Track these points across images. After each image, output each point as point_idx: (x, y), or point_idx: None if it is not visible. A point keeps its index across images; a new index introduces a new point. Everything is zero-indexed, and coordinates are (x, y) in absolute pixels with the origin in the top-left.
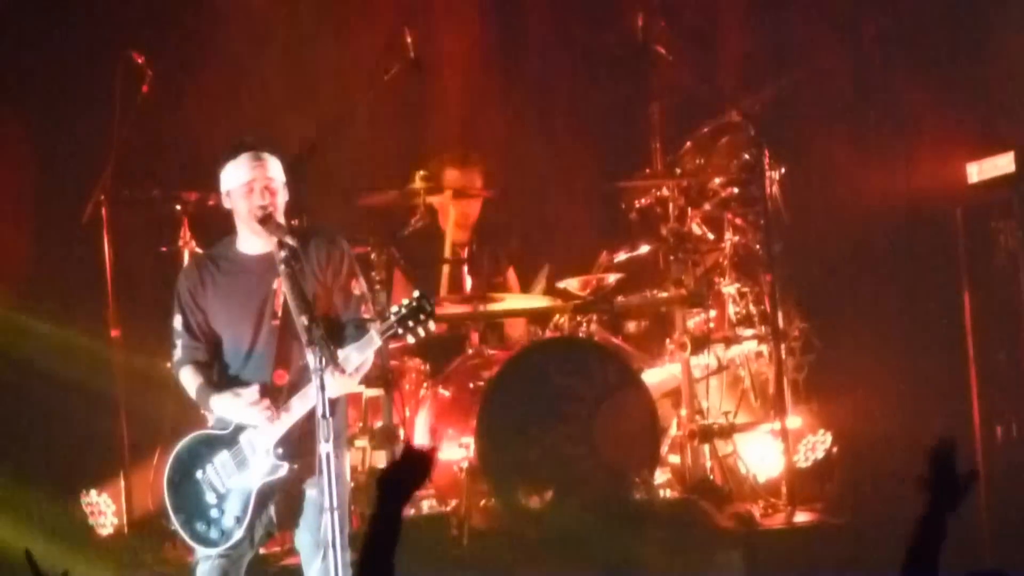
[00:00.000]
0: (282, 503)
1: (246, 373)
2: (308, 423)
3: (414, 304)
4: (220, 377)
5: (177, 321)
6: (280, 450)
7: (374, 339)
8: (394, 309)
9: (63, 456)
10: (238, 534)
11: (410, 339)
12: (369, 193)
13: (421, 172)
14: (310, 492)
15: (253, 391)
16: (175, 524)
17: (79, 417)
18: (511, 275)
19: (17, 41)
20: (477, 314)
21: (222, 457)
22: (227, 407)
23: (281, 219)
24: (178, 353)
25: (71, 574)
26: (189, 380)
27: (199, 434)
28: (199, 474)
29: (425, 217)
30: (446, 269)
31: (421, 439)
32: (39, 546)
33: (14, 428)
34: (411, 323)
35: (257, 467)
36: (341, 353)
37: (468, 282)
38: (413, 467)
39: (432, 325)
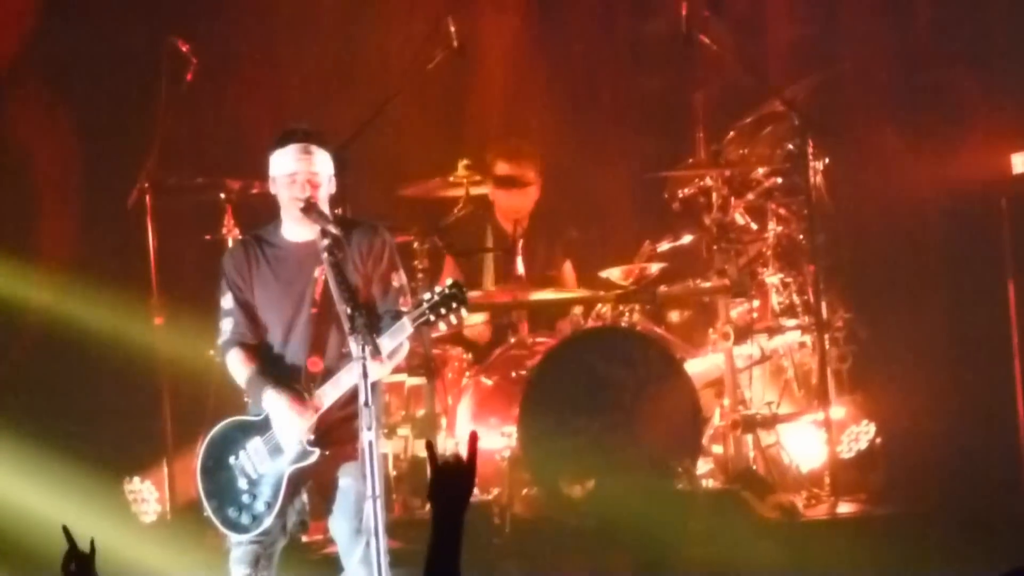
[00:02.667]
0: (315, 491)
1: (281, 359)
2: (341, 410)
3: (446, 292)
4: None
5: (227, 300)
6: (312, 437)
7: (405, 326)
8: (426, 296)
9: (107, 443)
10: (268, 520)
11: (442, 327)
12: (412, 183)
13: (464, 161)
14: (344, 479)
15: (303, 406)
16: (207, 510)
17: (123, 405)
18: (567, 268)
19: (63, 29)
20: (519, 303)
21: (255, 443)
22: (274, 404)
23: (325, 208)
24: (225, 334)
25: (113, 561)
26: (238, 365)
27: (233, 420)
28: (232, 460)
29: (469, 206)
30: (490, 260)
31: (464, 428)
32: (82, 532)
33: (58, 415)
34: (443, 310)
35: (289, 453)
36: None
37: (520, 271)
38: (454, 479)
39: (464, 313)
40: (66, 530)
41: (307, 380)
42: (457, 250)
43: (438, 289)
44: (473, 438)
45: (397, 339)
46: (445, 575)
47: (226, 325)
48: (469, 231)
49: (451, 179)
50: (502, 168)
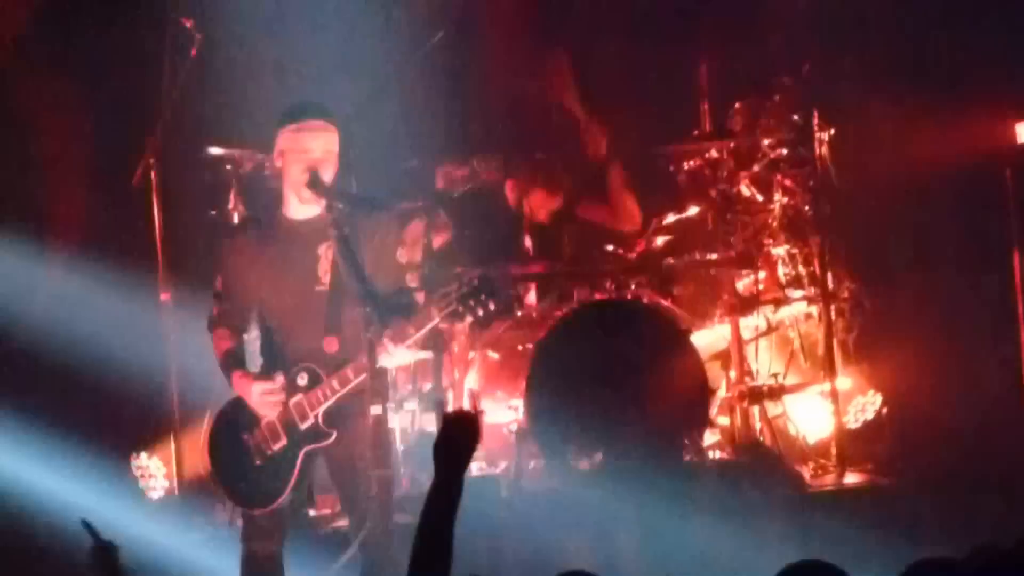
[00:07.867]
0: (327, 466)
1: (294, 340)
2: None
3: (476, 283)
4: (268, 345)
5: (218, 282)
6: (327, 417)
7: (432, 315)
8: (454, 286)
9: (114, 419)
10: (281, 497)
11: (469, 319)
12: (419, 156)
13: (477, 158)
14: (357, 454)
15: (270, 383)
16: (218, 483)
17: (130, 381)
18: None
19: (69, 6)
20: (528, 275)
21: (269, 421)
22: (241, 386)
23: (330, 183)
24: (213, 315)
25: (121, 540)
26: (218, 342)
27: None
28: (245, 436)
29: (476, 180)
30: (496, 233)
31: (464, 403)
32: (90, 510)
33: (66, 392)
34: (472, 302)
35: (304, 432)
36: (395, 323)
37: (528, 245)
38: (462, 433)
39: (493, 306)
40: (87, 524)
41: (325, 361)
42: (465, 224)
43: (467, 280)
44: (474, 395)
45: (422, 329)
46: (439, 531)
47: (216, 306)
48: (476, 204)
49: (473, 166)
50: (541, 197)
